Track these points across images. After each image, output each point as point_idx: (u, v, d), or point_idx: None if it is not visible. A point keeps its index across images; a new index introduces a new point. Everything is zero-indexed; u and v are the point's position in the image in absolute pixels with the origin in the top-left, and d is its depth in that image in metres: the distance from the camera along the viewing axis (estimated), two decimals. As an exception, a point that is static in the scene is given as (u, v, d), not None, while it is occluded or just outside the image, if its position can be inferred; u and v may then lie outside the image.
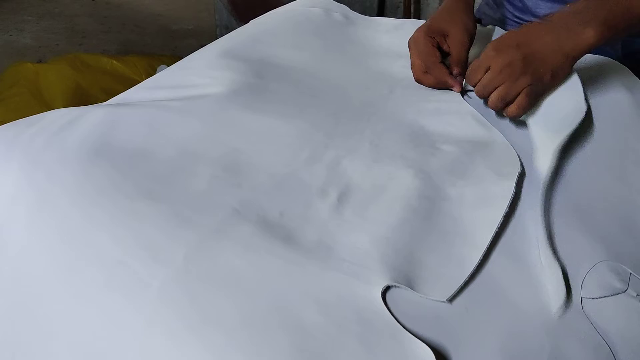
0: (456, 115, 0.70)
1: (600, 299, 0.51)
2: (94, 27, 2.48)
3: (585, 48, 0.66)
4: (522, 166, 0.62)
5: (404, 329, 0.45)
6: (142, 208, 0.53)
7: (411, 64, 0.78)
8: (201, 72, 0.76)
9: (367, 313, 0.46)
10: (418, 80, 0.78)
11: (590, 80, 0.75)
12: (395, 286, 0.48)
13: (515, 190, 0.58)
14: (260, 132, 0.64)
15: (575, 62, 0.67)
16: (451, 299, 0.48)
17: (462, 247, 0.52)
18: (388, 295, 0.48)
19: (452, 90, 0.76)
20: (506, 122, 0.71)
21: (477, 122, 0.69)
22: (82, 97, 1.54)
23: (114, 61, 1.74)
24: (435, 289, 0.48)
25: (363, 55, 0.85)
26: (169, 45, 2.32)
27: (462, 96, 0.76)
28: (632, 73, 0.78)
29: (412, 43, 0.79)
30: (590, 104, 0.70)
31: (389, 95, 0.75)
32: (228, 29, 0.93)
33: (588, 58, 0.80)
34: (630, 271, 0.53)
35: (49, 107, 1.38)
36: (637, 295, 0.51)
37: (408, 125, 0.68)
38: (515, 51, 0.66)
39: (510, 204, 0.57)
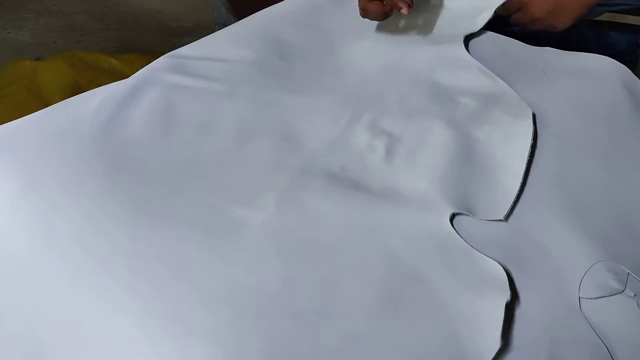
0: (465, 68, 0.76)
1: (597, 299, 0.51)
2: (92, 24, 2.47)
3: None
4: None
5: (474, 250, 0.52)
6: (219, 172, 0.60)
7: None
8: (228, 50, 0.79)
9: (442, 238, 0.53)
10: (364, 12, 0.78)
11: (589, 79, 0.75)
12: (459, 214, 0.56)
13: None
14: (299, 109, 0.70)
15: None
16: (506, 217, 0.57)
17: (503, 177, 0.61)
18: (454, 223, 0.55)
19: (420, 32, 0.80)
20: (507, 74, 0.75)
21: (483, 75, 0.75)
22: (80, 95, 1.54)
23: (112, 59, 1.74)
24: (489, 214, 0.57)
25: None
26: (168, 43, 2.31)
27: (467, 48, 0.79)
28: (631, 72, 0.78)
29: None
30: (589, 102, 0.70)
31: (401, 62, 0.78)
32: (226, 27, 0.93)
33: (586, 57, 0.80)
34: (628, 271, 0.53)
35: (46, 104, 1.37)
36: (634, 296, 0.51)
37: (424, 83, 0.74)
38: None
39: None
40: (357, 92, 0.73)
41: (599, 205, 0.60)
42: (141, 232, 0.54)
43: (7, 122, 0.67)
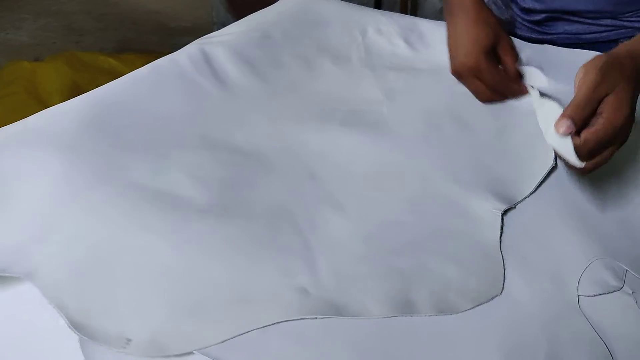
0: None
1: (596, 297, 0.51)
2: (91, 25, 2.48)
3: None
4: None
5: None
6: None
7: (474, 91, 0.72)
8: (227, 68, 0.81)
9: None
10: (488, 101, 0.72)
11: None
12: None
13: None
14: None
15: None
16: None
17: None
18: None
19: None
20: None
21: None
22: (80, 96, 1.54)
23: (111, 59, 1.74)
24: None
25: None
26: (167, 43, 2.31)
27: None
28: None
29: (468, 71, 0.71)
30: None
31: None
32: (225, 26, 0.93)
33: (582, 54, 0.79)
34: (627, 268, 0.53)
35: (46, 105, 1.37)
36: (632, 293, 0.51)
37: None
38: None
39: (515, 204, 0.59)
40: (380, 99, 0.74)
41: (598, 204, 0.60)
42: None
43: (5, 123, 0.66)
